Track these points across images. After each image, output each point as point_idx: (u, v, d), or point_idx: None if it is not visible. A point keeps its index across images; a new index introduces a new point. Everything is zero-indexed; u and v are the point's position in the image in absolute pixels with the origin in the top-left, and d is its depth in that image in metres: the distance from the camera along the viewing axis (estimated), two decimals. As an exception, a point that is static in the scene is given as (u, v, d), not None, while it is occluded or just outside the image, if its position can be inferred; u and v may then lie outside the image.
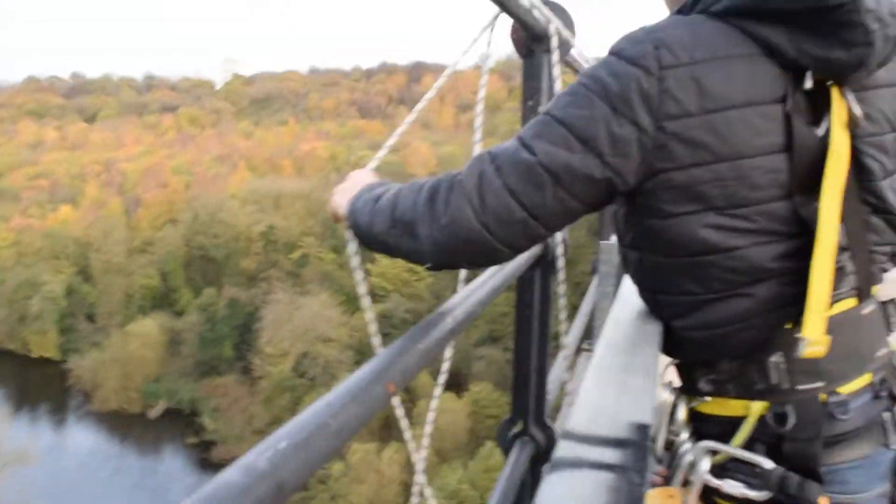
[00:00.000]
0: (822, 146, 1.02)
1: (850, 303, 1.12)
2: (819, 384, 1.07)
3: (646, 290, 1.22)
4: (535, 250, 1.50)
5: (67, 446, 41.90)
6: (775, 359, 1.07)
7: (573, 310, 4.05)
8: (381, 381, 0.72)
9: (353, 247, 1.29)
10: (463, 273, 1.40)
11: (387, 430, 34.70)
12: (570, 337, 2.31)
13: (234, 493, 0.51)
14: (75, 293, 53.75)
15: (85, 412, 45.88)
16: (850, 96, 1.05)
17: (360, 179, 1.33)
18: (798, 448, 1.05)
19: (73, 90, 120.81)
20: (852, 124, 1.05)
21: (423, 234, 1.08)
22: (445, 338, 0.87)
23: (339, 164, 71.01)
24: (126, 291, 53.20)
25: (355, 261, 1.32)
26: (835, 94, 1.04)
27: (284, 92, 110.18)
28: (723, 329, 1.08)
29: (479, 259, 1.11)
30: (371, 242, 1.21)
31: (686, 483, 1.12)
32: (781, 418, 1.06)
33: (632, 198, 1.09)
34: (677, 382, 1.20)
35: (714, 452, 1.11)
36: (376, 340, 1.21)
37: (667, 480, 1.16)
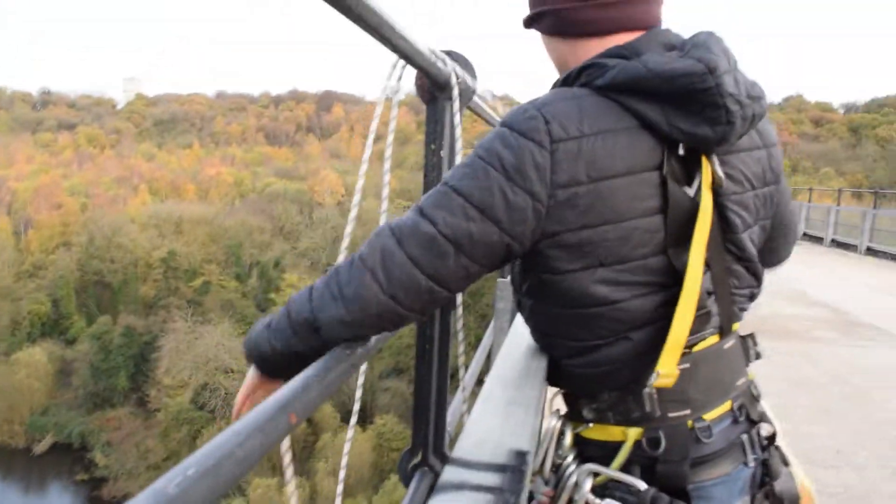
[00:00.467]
0: (693, 205, 1.17)
1: (713, 339, 1.26)
2: (686, 412, 1.21)
3: (538, 333, 1.33)
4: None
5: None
6: (648, 390, 1.19)
7: (477, 341, 4.20)
8: (284, 412, 0.77)
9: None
10: None
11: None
12: (470, 371, 2.43)
13: None
14: (-45, 319, 50.58)
15: (-38, 447, 43.03)
16: (716, 161, 1.19)
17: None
18: (669, 469, 1.18)
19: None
20: (717, 185, 1.20)
21: (332, 317, 1.13)
22: (346, 371, 0.93)
23: (245, 189, 69.84)
24: (13, 318, 50.32)
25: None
26: (703, 159, 1.19)
27: (189, 114, 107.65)
28: (607, 367, 1.20)
29: (388, 326, 1.18)
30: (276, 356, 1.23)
31: (571, 502, 1.23)
32: (655, 442, 1.19)
33: (527, 255, 1.19)
34: (564, 410, 1.31)
35: (596, 474, 1.22)
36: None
37: (553, 500, 1.26)
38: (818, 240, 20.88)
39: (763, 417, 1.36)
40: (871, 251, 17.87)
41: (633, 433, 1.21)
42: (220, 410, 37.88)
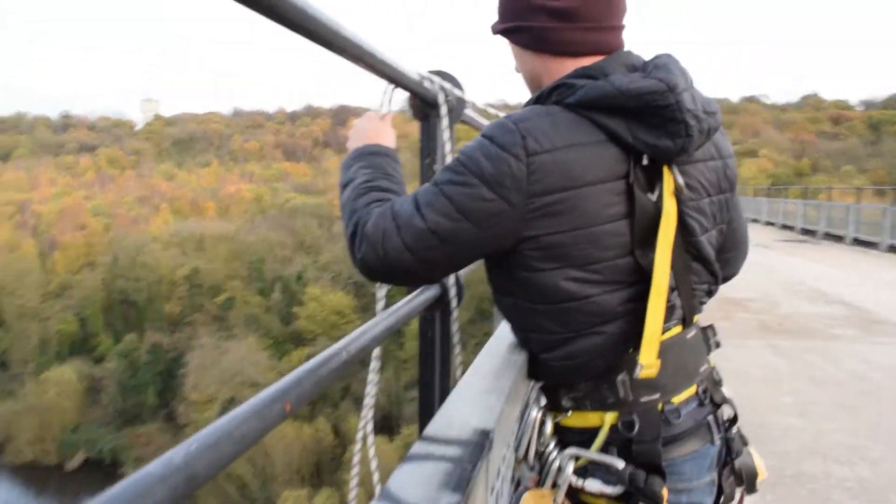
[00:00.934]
0: (657, 210, 1.28)
1: (677, 329, 1.38)
2: (656, 396, 1.32)
3: (517, 329, 1.43)
4: (434, 293, 1.73)
5: (-26, 503, 39.69)
6: (621, 378, 1.31)
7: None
8: (279, 401, 0.87)
9: None
10: (380, 306, 1.66)
11: (318, 477, 34.19)
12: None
13: (153, 480, 0.63)
14: (-14, 340, 51.40)
15: (-4, 466, 43.62)
16: (676, 171, 1.31)
17: (364, 129, 1.63)
18: (644, 448, 1.28)
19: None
20: (678, 192, 1.31)
21: (352, 251, 1.36)
22: (339, 369, 1.04)
23: (265, 205, 70.34)
24: (41, 337, 50.98)
25: None
26: (665, 169, 1.30)
27: (207, 133, 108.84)
28: (581, 359, 1.31)
29: (392, 283, 1.43)
30: None
31: (555, 485, 1.33)
32: (629, 425, 1.30)
33: (504, 254, 1.30)
34: (544, 402, 1.41)
35: (577, 458, 1.33)
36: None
37: (538, 485, 1.37)
38: (839, 238, 20.78)
39: (725, 400, 1.47)
40: (893, 248, 17.75)
41: (610, 418, 1.32)
42: (247, 425, 38.12)
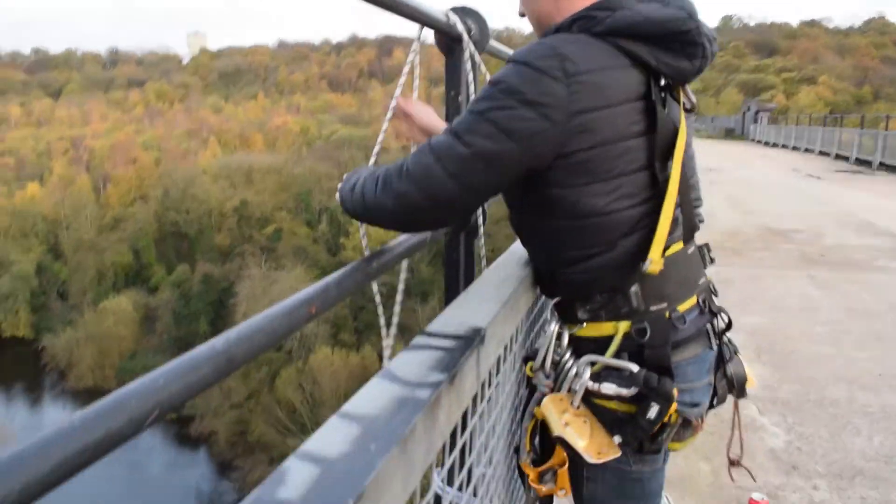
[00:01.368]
0: (674, 126, 1.42)
1: (679, 245, 1.51)
2: (664, 305, 1.45)
3: (538, 249, 1.55)
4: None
5: (44, 425, 41.74)
6: (634, 289, 1.44)
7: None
8: (306, 304, 1.00)
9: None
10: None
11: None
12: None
13: (202, 359, 0.79)
14: (46, 271, 53.40)
15: (60, 390, 45.88)
16: (689, 90, 1.45)
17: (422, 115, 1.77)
18: (654, 353, 1.42)
19: (36, 65, 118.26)
20: (691, 110, 1.46)
21: (384, 209, 1.44)
22: (364, 279, 1.19)
23: (311, 138, 70.70)
24: (98, 269, 52.89)
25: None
26: (679, 90, 1.45)
27: (253, 66, 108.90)
28: (599, 273, 1.44)
29: (424, 225, 1.52)
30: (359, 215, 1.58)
31: (570, 390, 1.46)
32: (642, 332, 1.43)
33: (535, 174, 1.41)
34: (557, 317, 1.55)
35: (592, 364, 1.45)
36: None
37: (553, 391, 1.50)
38: (895, 169, 20.21)
39: (721, 310, 1.61)
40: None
41: (623, 326, 1.45)
42: (297, 352, 39.31)
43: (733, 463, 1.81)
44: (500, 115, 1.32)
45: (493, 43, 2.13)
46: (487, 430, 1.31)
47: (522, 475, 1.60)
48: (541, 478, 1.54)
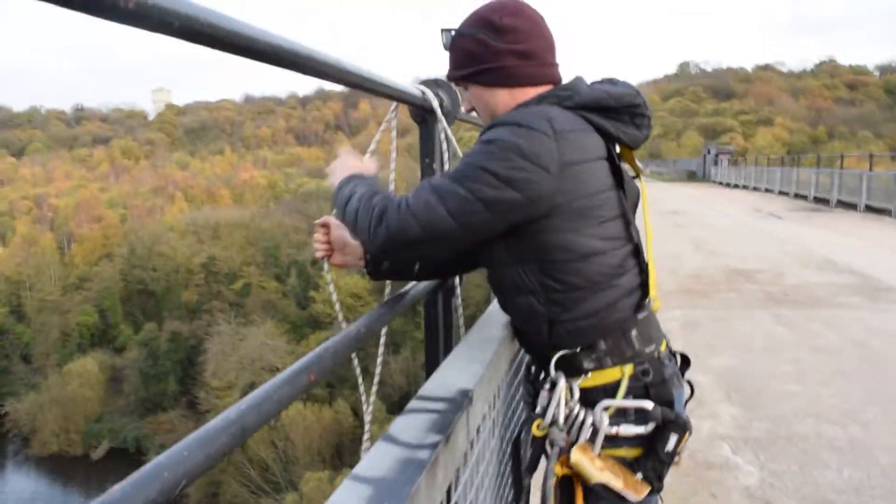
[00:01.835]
0: (634, 182, 1.68)
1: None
2: (653, 346, 1.60)
3: (534, 301, 1.61)
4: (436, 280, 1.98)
5: (7, 493, 40.56)
6: (634, 333, 1.58)
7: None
8: (305, 372, 1.07)
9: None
10: (388, 290, 1.89)
11: (339, 459, 34.67)
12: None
13: (217, 430, 0.85)
14: (8, 333, 52.23)
15: (24, 457, 44.50)
16: (635, 159, 1.74)
17: (346, 164, 1.80)
18: (658, 390, 1.56)
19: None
20: (638, 173, 1.75)
21: (377, 237, 1.52)
22: (352, 346, 1.29)
23: (279, 191, 70.75)
24: (62, 330, 51.77)
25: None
26: (630, 154, 1.71)
27: (219, 121, 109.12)
28: (601, 314, 1.56)
29: (423, 252, 1.59)
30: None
31: (588, 439, 1.54)
32: (645, 372, 1.57)
33: (531, 222, 1.53)
34: (561, 373, 1.62)
35: (606, 408, 1.55)
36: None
37: (570, 445, 1.56)
38: (852, 206, 20.79)
39: (677, 352, 1.76)
40: (904, 214, 17.78)
41: (628, 369, 1.58)
42: (268, 409, 38.62)
43: None
44: (499, 166, 1.46)
45: (463, 111, 2.26)
46: (477, 484, 1.39)
47: None
48: None
